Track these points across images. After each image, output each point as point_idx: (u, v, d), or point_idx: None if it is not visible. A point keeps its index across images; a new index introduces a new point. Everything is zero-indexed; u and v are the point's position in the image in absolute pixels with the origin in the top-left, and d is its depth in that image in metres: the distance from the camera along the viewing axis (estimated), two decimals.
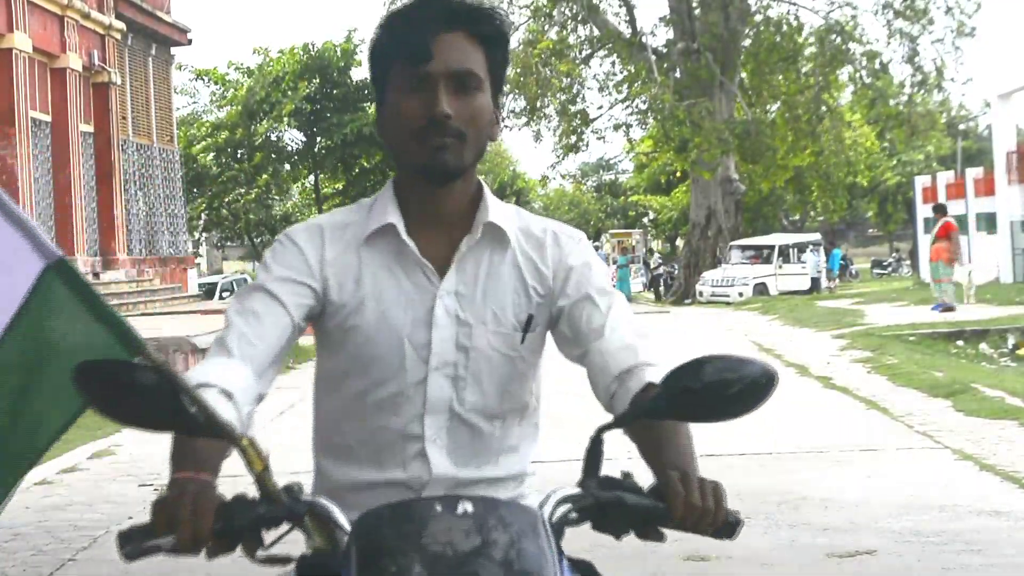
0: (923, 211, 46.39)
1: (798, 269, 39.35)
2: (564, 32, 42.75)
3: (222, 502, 1.96)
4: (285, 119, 47.40)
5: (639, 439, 2.19)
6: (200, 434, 1.99)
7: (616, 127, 46.71)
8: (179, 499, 1.94)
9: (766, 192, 49.37)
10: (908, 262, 59.11)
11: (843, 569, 6.11)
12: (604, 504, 2.03)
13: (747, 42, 41.76)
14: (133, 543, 1.95)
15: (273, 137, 49.03)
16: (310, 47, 48.40)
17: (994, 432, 10.03)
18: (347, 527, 1.99)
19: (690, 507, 2.01)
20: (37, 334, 2.49)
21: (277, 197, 54.74)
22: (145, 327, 17.60)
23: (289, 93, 46.40)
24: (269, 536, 2.01)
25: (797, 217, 63.74)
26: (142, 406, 1.96)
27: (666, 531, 2.02)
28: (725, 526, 2.04)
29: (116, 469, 9.77)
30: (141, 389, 1.94)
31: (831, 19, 41.53)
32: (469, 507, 1.90)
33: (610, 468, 2.00)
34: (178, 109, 43.35)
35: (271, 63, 48.34)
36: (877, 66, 41.54)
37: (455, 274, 2.42)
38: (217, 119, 49.09)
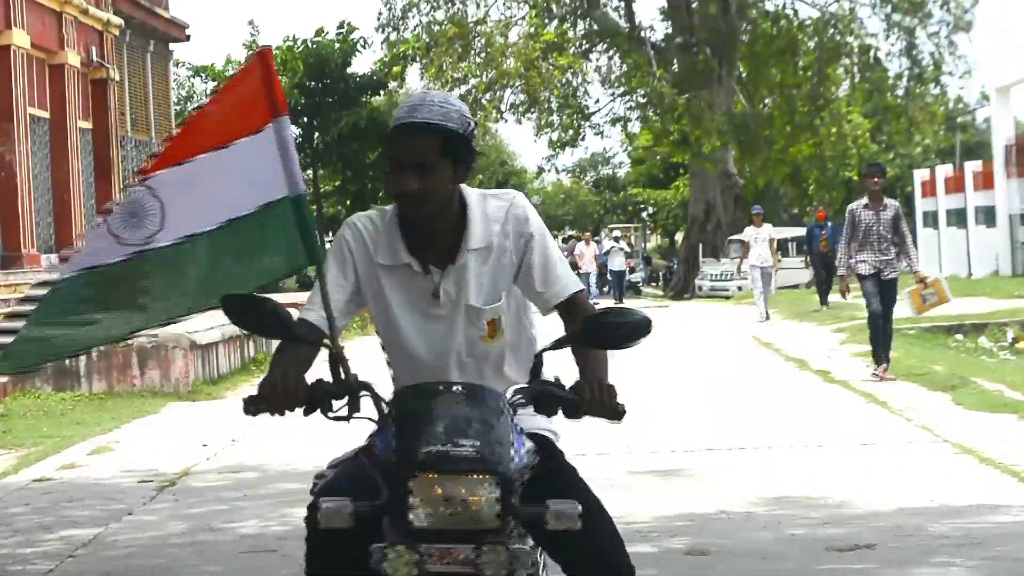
0: (922, 204, 46.42)
1: (797, 263, 39.31)
2: (563, 26, 42.75)
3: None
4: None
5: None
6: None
7: (614, 121, 46.70)
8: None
9: (762, 185, 49.32)
10: None
11: (843, 563, 6.11)
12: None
13: (745, 36, 41.76)
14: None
15: None
16: (307, 44, 48.32)
17: (994, 426, 10.04)
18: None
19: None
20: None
21: None
22: None
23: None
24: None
25: (796, 211, 63.72)
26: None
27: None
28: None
29: (115, 465, 9.77)
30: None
31: (828, 12, 41.53)
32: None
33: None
34: (176, 104, 43.32)
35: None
36: (871, 59, 41.52)
37: None
38: None
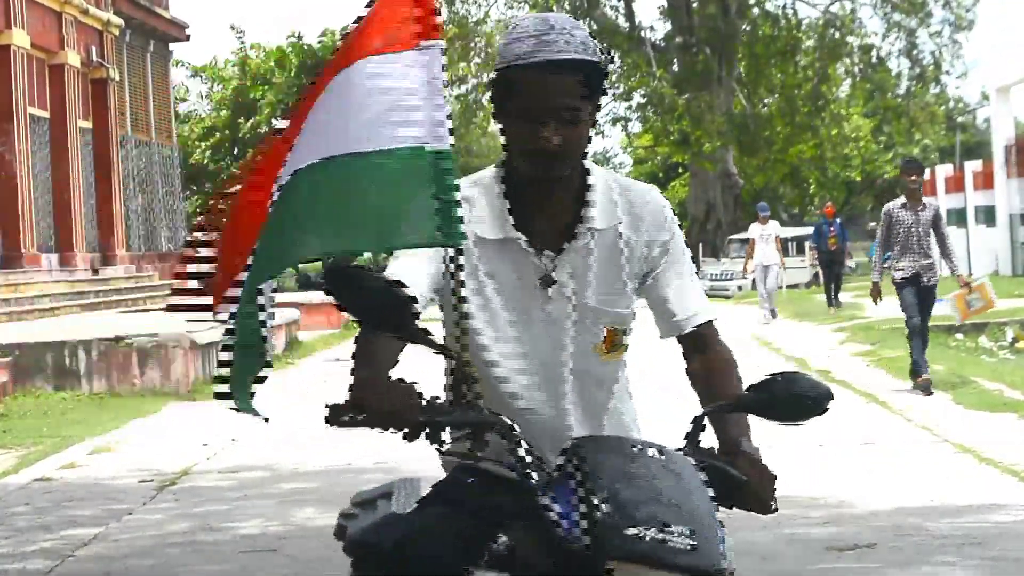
0: None
1: (797, 262, 39.33)
2: None
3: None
4: (267, 110, 47.11)
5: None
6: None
7: (614, 121, 46.71)
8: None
9: (760, 185, 49.36)
10: None
11: (843, 562, 6.11)
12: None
13: (745, 36, 41.83)
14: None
15: (262, 132, 48.82)
16: (304, 45, 48.26)
17: (994, 425, 10.04)
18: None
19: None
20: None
21: None
22: (144, 323, 17.57)
23: (274, 81, 46.21)
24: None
25: (796, 211, 63.78)
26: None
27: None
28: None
29: (116, 465, 9.77)
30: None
31: (830, 12, 41.59)
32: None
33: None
34: (178, 101, 43.30)
35: (263, 56, 48.13)
36: (874, 59, 41.58)
37: None
38: (211, 118, 48.94)
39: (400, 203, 2.59)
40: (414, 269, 2.69)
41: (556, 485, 2.41)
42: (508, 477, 2.54)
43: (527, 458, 2.47)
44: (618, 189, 2.82)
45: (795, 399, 2.62)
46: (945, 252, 12.40)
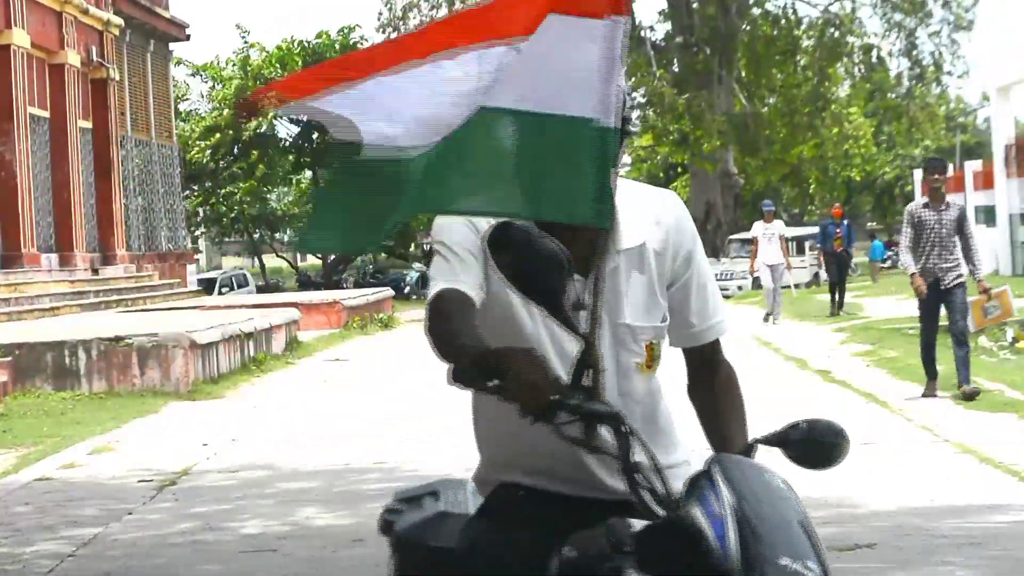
0: None
1: (797, 262, 39.31)
2: None
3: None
4: (271, 113, 46.99)
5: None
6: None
7: None
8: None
9: (761, 186, 49.35)
10: None
11: (843, 563, 6.10)
12: None
13: (745, 37, 41.86)
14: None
15: (264, 130, 48.79)
16: (305, 43, 48.26)
17: (994, 426, 10.03)
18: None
19: None
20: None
21: (272, 191, 54.55)
22: (144, 323, 17.58)
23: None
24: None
25: (796, 210, 63.78)
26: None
27: None
28: None
29: (116, 465, 9.77)
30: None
31: (830, 12, 41.62)
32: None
33: None
34: (178, 100, 43.27)
35: (265, 56, 48.10)
36: (874, 59, 41.61)
37: None
38: (211, 117, 48.90)
39: (561, 174, 2.48)
40: (470, 266, 2.61)
41: (697, 499, 2.37)
42: (565, 494, 2.65)
43: (636, 458, 2.41)
44: (640, 201, 2.75)
45: (831, 451, 2.59)
46: (968, 255, 11.74)
